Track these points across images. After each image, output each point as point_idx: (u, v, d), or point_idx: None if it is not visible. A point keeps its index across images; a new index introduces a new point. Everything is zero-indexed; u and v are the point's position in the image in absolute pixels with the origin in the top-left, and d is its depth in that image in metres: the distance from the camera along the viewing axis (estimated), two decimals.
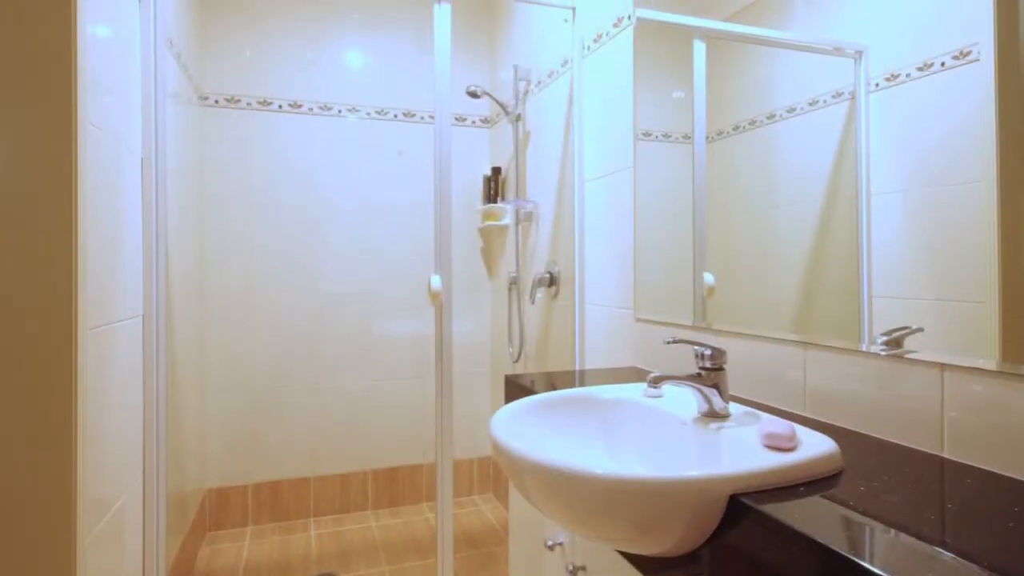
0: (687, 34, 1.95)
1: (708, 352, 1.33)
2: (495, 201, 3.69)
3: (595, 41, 2.52)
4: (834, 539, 0.77)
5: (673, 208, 2.02)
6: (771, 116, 1.58)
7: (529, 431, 1.43)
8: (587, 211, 2.60)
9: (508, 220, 3.51)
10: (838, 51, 1.39)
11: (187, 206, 2.84)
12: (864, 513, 0.85)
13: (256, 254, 3.38)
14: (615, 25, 2.37)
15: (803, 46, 1.49)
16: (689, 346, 1.85)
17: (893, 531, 0.80)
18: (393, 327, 3.69)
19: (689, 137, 1.93)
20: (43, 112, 1.43)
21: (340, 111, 3.62)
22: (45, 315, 1.43)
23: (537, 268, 3.14)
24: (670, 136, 2.05)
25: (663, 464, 1.36)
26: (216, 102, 3.29)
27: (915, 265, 1.21)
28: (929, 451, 1.15)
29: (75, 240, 1.46)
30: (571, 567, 1.58)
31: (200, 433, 3.12)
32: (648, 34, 2.17)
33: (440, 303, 2.34)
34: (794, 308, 1.53)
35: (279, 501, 3.43)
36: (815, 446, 1.05)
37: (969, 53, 1.10)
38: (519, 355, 3.28)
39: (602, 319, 2.48)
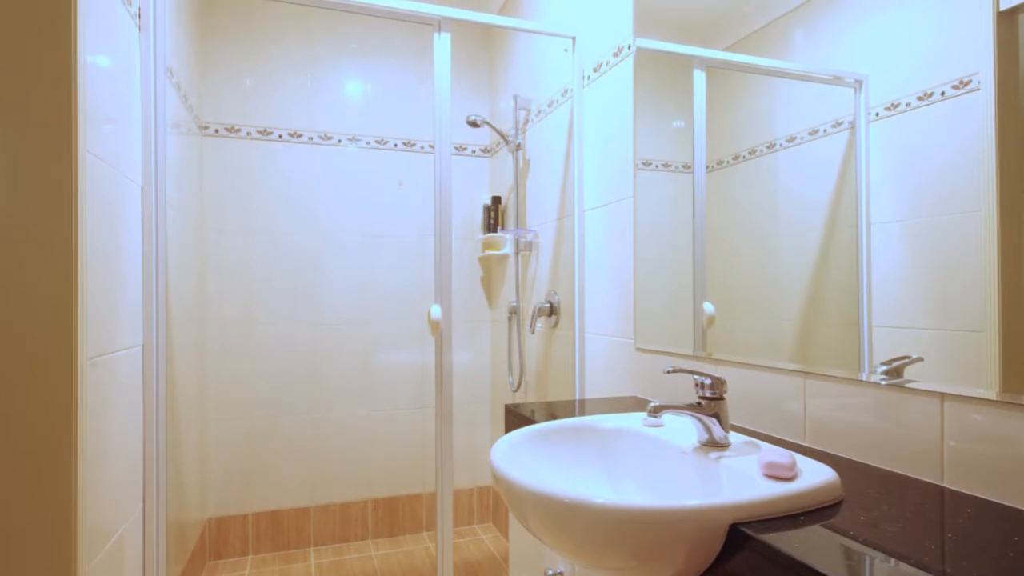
0: (687, 63, 1.97)
1: (708, 382, 1.33)
2: (495, 230, 3.70)
3: (595, 70, 2.55)
4: (835, 568, 0.77)
5: (673, 238, 2.03)
6: (771, 145, 1.60)
7: (529, 460, 1.43)
8: (587, 240, 2.61)
9: (508, 249, 3.52)
10: (838, 80, 1.41)
11: (187, 235, 2.85)
12: (864, 543, 0.85)
13: (256, 284, 3.39)
14: (615, 54, 2.40)
15: (803, 75, 1.51)
16: (689, 376, 1.85)
17: (893, 560, 0.80)
18: (393, 357, 3.69)
19: (689, 166, 1.94)
20: (43, 141, 1.44)
21: (340, 140, 3.65)
22: (45, 344, 1.44)
23: (537, 297, 3.15)
24: (670, 165, 2.06)
25: (663, 493, 1.36)
26: (216, 131, 3.32)
27: (915, 294, 1.22)
28: (929, 480, 1.15)
29: (75, 269, 1.47)
30: None
31: (200, 462, 3.11)
32: (648, 63, 2.20)
33: (440, 333, 2.35)
34: (794, 337, 1.53)
35: (279, 530, 3.41)
36: (815, 475, 1.05)
37: (969, 83, 1.12)
38: (519, 385, 3.28)
39: (602, 348, 2.48)
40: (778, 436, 1.54)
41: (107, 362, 1.72)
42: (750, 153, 1.68)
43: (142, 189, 2.09)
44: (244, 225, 3.37)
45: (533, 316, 2.93)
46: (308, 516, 3.47)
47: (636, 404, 2.04)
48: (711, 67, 1.87)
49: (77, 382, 1.47)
